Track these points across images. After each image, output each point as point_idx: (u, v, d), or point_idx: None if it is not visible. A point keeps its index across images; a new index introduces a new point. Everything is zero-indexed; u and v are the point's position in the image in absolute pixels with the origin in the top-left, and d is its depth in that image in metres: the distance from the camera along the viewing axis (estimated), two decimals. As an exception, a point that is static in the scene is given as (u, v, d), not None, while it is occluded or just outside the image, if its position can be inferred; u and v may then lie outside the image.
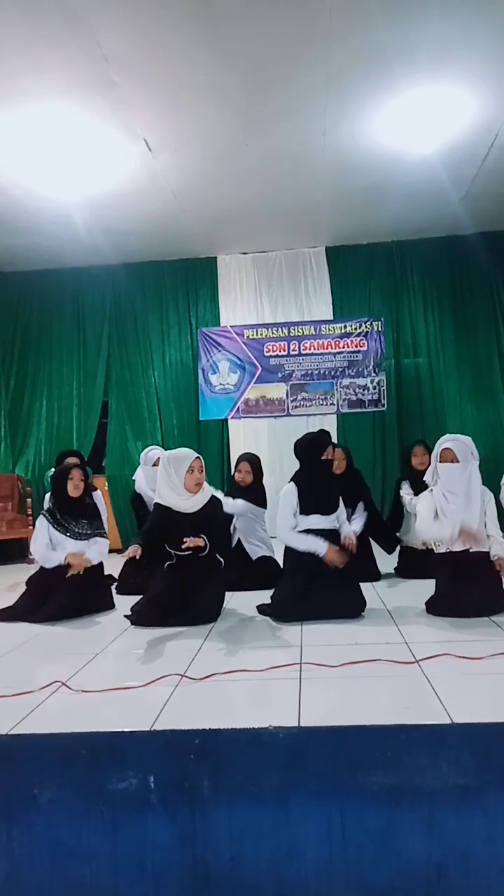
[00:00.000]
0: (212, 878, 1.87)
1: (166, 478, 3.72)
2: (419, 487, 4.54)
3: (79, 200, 5.83)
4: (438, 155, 5.35)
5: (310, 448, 3.87)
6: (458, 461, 3.57)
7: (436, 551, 3.65)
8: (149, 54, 4.04)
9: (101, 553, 4.08)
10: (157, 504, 3.77)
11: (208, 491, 3.79)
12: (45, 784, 1.99)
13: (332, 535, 3.70)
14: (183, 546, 3.51)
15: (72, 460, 4.87)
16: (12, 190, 5.60)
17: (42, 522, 4.05)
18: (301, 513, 3.68)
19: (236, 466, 4.79)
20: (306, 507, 3.69)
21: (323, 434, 4.09)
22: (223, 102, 4.59)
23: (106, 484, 7.15)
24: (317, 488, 3.75)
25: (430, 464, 4.47)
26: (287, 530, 3.68)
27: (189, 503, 3.68)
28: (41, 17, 3.66)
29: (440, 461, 3.65)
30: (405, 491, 4.76)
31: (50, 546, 3.98)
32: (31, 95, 4.35)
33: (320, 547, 3.58)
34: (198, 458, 3.75)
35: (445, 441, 3.69)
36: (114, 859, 1.91)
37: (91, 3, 3.60)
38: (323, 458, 3.94)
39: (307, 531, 3.66)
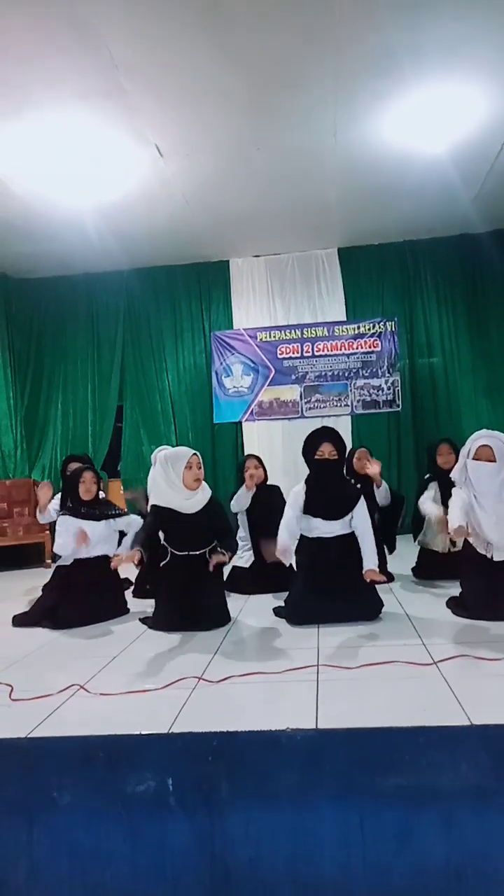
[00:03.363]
0: (230, 880, 1.87)
1: (164, 476, 3.65)
2: (446, 487, 4.45)
3: (91, 206, 5.87)
4: (449, 154, 5.32)
5: (304, 446, 3.74)
6: (494, 460, 3.29)
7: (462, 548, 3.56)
8: (159, 61, 4.07)
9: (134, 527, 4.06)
10: (154, 507, 3.68)
11: (208, 490, 3.74)
12: (63, 786, 2.00)
13: (337, 543, 3.54)
14: (212, 567, 3.50)
15: (76, 465, 4.66)
16: (26, 197, 5.66)
17: (66, 518, 3.94)
18: (305, 513, 3.57)
19: (243, 465, 4.69)
20: (310, 508, 3.57)
21: (318, 430, 3.75)
22: (234, 107, 4.60)
23: (122, 487, 7.19)
24: (319, 490, 3.57)
25: (455, 463, 4.39)
26: (283, 526, 3.56)
27: (190, 503, 3.62)
28: (52, 26, 3.70)
29: (474, 458, 3.35)
30: (426, 496, 4.57)
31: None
32: (44, 104, 4.39)
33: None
34: (195, 454, 3.70)
35: (481, 437, 3.38)
36: (132, 861, 1.92)
37: (101, 12, 3.63)
38: (317, 456, 3.62)
39: (313, 539, 3.59)
